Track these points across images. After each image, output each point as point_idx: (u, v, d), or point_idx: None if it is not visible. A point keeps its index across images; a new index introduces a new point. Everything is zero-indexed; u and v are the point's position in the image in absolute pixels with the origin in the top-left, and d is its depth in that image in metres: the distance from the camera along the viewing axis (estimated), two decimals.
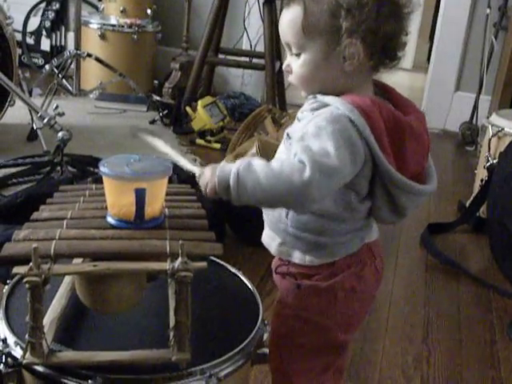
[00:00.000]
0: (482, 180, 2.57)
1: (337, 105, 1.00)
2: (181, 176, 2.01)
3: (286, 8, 1.04)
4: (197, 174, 1.03)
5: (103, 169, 0.94)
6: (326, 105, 1.02)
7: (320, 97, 1.04)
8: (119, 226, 0.96)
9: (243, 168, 0.97)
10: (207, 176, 1.00)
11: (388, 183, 1.02)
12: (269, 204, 1.04)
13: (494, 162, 2.48)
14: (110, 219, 0.98)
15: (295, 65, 1.05)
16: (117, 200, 0.98)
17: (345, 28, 0.99)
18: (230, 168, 0.98)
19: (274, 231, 1.12)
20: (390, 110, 1.03)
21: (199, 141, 3.19)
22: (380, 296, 2.01)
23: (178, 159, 1.12)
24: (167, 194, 1.13)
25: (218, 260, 1.23)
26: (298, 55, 1.04)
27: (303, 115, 1.06)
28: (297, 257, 1.11)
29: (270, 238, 1.13)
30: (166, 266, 0.90)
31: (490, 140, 2.57)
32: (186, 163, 1.10)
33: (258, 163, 0.98)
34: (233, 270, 1.22)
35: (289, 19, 1.03)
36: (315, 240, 1.08)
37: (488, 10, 3.66)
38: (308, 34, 1.01)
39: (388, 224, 1.15)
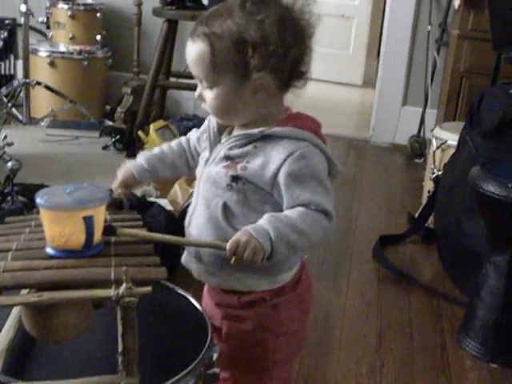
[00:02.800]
0: (429, 191, 2.65)
1: (296, 135, 1.06)
2: (132, 202, 2.03)
3: (191, 41, 1.06)
4: (228, 246, 1.01)
5: (45, 202, 0.95)
6: (269, 136, 1.06)
7: (266, 130, 1.07)
8: (62, 257, 0.98)
9: (281, 227, 1.02)
10: (251, 243, 1.00)
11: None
12: (299, 251, 1.10)
13: (439, 173, 2.56)
14: (50, 250, 0.99)
15: (208, 97, 1.08)
16: (62, 231, 0.99)
17: (253, 65, 1.02)
18: (264, 228, 1.01)
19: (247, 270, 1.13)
20: (309, 116, 1.13)
21: None
22: (333, 308, 2.06)
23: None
24: (114, 221, 1.16)
25: (167, 283, 1.25)
26: (210, 88, 1.08)
27: (241, 151, 1.08)
28: (277, 280, 1.15)
29: (241, 282, 1.14)
30: (111, 292, 0.92)
31: (434, 152, 2.65)
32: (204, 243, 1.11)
33: (288, 220, 1.03)
34: (181, 291, 1.24)
35: (196, 55, 1.06)
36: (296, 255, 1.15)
37: (429, 27, 3.78)
38: (217, 70, 1.04)
39: None
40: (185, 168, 1.26)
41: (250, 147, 1.08)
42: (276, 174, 1.05)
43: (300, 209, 1.05)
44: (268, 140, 1.07)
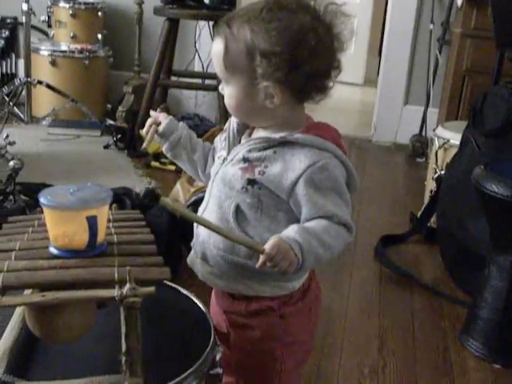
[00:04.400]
0: (431, 191, 2.65)
1: (318, 144, 1.05)
2: (134, 201, 2.02)
3: (214, 38, 1.07)
4: (268, 250, 0.99)
5: (48, 202, 0.95)
6: (290, 142, 1.05)
7: (288, 135, 1.06)
8: (66, 256, 0.97)
9: (311, 240, 1.01)
10: (289, 253, 0.98)
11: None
12: (322, 264, 1.07)
13: (442, 173, 2.56)
14: (53, 250, 0.98)
15: (225, 93, 1.08)
16: (65, 230, 0.99)
17: (259, 72, 1.01)
18: (297, 240, 1.00)
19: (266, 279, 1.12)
20: (332, 126, 1.11)
21: (154, 163, 3.21)
22: (335, 309, 2.06)
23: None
24: (117, 221, 1.15)
25: (170, 283, 1.25)
26: (226, 85, 1.08)
27: (260, 154, 1.07)
28: (287, 287, 1.13)
29: (248, 287, 1.13)
30: (115, 292, 0.91)
31: (436, 152, 2.65)
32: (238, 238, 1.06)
33: (315, 233, 1.02)
34: (185, 292, 1.24)
35: (214, 52, 1.06)
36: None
37: (431, 26, 3.77)
38: (229, 69, 1.04)
39: None
40: (199, 168, 1.22)
41: (269, 152, 1.06)
42: (295, 183, 1.04)
43: (323, 221, 1.04)
44: (288, 146, 1.05)
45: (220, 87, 1.10)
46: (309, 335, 1.21)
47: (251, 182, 1.06)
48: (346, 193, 1.07)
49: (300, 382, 1.29)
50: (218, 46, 1.05)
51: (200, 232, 1.15)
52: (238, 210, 1.09)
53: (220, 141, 1.18)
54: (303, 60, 1.01)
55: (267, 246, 0.99)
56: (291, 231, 1.02)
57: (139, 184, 2.88)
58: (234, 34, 1.02)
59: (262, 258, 0.99)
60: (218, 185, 1.12)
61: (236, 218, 1.09)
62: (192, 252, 1.19)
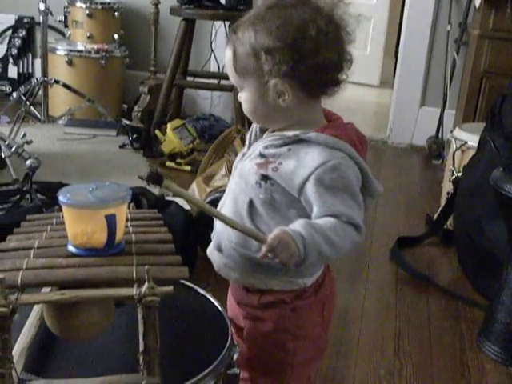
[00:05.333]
0: (448, 193, 2.63)
1: (331, 144, 1.04)
2: (150, 200, 2.03)
3: (226, 47, 1.10)
4: (269, 241, 0.99)
5: (67, 200, 0.95)
6: (302, 140, 1.05)
7: (302, 134, 1.06)
8: (84, 255, 0.97)
9: (315, 235, 1.01)
10: (291, 246, 0.99)
11: (365, 194, 1.09)
12: (326, 261, 1.10)
13: (459, 175, 2.54)
14: (72, 248, 0.98)
15: (241, 99, 1.10)
16: (84, 229, 0.99)
17: (266, 70, 1.03)
18: (300, 233, 1.00)
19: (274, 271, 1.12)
20: (355, 128, 1.11)
21: (170, 163, 3.21)
22: (351, 311, 2.05)
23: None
24: (134, 220, 1.15)
25: (187, 282, 1.25)
26: (241, 91, 1.10)
27: (276, 151, 1.07)
28: (299, 283, 1.13)
29: (260, 280, 1.13)
30: (133, 291, 0.91)
31: (454, 154, 2.63)
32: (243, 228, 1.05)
33: (321, 229, 1.02)
34: (201, 291, 1.24)
35: (226, 60, 1.09)
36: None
37: (449, 27, 3.75)
38: (240, 74, 1.07)
39: None
40: None
41: (284, 149, 1.07)
42: (305, 181, 1.04)
43: (331, 219, 1.03)
44: (303, 144, 1.06)
45: (238, 96, 1.12)
46: (322, 331, 1.20)
47: (264, 177, 1.07)
48: (359, 194, 1.07)
49: (312, 378, 1.28)
50: (228, 54, 1.08)
51: (217, 225, 1.17)
52: (251, 205, 1.10)
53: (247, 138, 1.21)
54: (306, 52, 1.01)
55: (269, 237, 1.00)
56: (297, 225, 1.02)
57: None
58: (239, 38, 1.05)
59: (263, 247, 1.00)
60: (235, 179, 1.14)
61: (249, 213, 1.10)
62: (212, 243, 1.20)
